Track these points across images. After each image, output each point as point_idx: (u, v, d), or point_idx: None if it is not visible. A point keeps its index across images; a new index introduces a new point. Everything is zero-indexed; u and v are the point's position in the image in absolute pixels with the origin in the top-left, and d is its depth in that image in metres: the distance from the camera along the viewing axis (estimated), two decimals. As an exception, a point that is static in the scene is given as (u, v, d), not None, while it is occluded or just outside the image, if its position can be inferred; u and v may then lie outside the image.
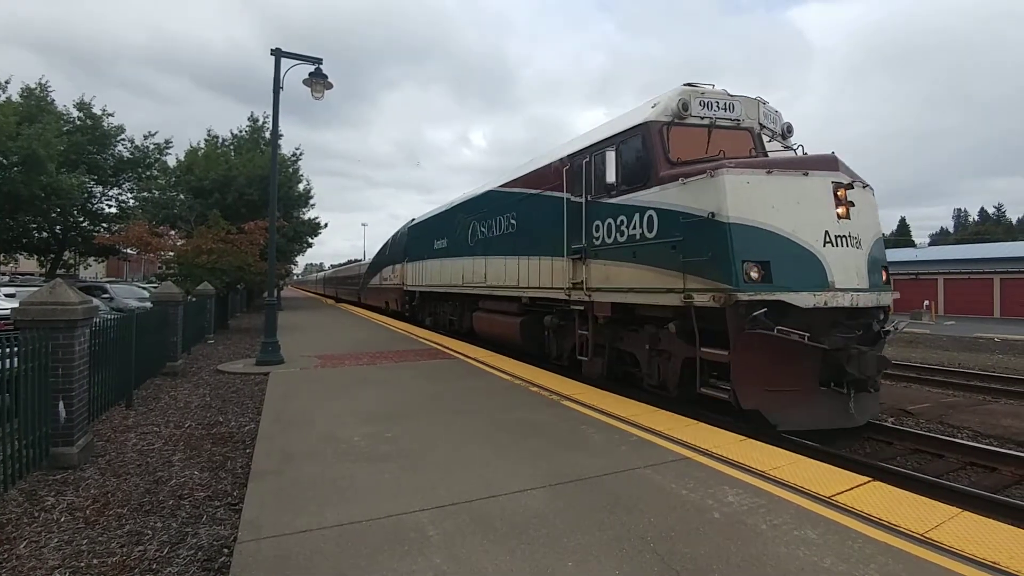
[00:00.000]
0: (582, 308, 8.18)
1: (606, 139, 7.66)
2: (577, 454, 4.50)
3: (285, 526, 3.18)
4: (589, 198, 7.88)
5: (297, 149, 29.38)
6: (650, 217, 6.63)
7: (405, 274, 19.85)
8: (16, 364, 3.95)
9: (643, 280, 6.71)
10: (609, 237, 7.40)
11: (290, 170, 27.53)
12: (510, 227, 10.80)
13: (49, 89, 23.10)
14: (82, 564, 2.96)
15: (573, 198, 8.34)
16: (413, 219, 20.36)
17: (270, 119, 10.66)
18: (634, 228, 6.90)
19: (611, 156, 7.03)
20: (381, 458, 4.41)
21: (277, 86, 10.01)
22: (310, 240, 33.12)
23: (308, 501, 3.54)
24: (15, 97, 21.78)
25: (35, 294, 4.60)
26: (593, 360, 8.17)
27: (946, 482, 4.98)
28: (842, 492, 3.61)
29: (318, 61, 10.21)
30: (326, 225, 33.07)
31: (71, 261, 29.93)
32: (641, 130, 6.99)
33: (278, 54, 9.95)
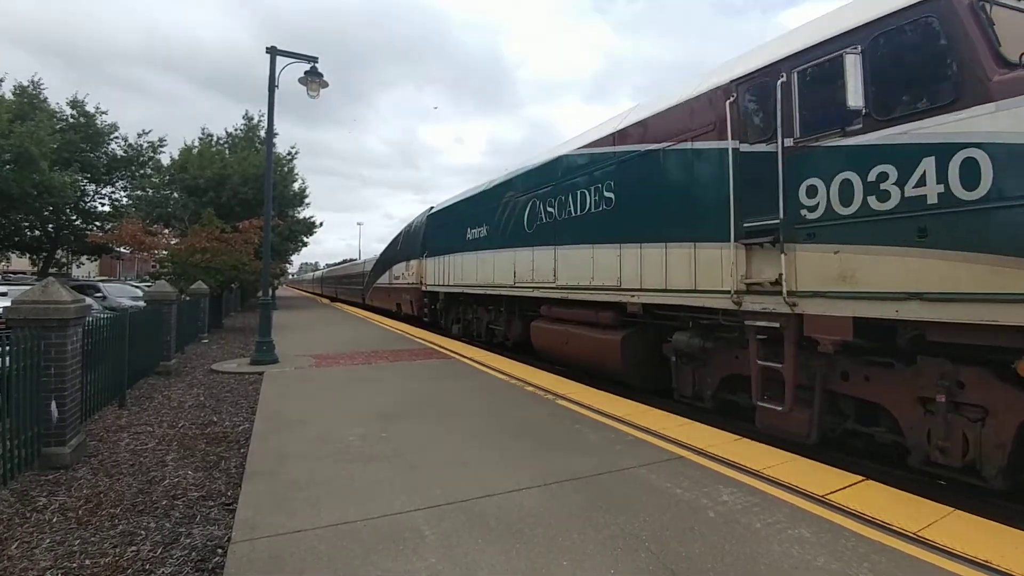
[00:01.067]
0: (776, 325, 5.07)
1: (835, 38, 4.72)
2: (572, 453, 4.51)
3: (280, 526, 3.17)
4: (791, 143, 4.98)
5: (292, 148, 29.35)
6: (967, 163, 3.79)
7: (424, 272, 17.00)
8: (8, 363, 3.92)
9: (946, 277, 3.88)
10: (847, 204, 4.50)
11: (285, 169, 27.47)
12: (602, 203, 7.81)
13: (42, 87, 23.03)
14: (74, 565, 2.93)
15: (749, 147, 5.40)
16: (432, 207, 17.68)
17: (265, 117, 10.64)
18: (918, 185, 4.05)
19: (852, 63, 4.34)
20: (376, 458, 4.40)
21: (272, 84, 9.98)
22: (305, 239, 33.08)
23: (303, 501, 3.53)
24: (8, 95, 21.66)
25: (27, 293, 4.56)
26: (793, 412, 5.02)
27: (939, 482, 5.00)
28: (836, 491, 3.63)
29: (314, 60, 10.18)
30: (321, 224, 33.02)
31: (64, 260, 29.81)
32: (931, 9, 4.15)
33: (273, 52, 9.93)
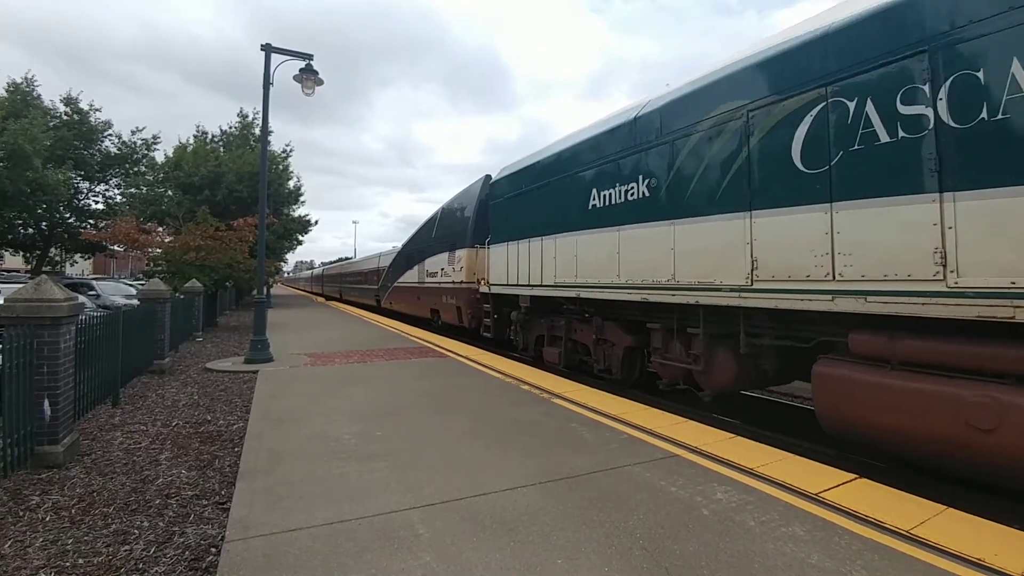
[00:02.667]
0: None
1: None
2: (567, 452, 4.51)
3: (274, 525, 3.16)
4: None
5: (287, 145, 29.27)
6: None
7: (483, 266, 12.62)
8: (0, 362, 3.90)
9: None
10: None
11: (280, 167, 27.39)
12: None
13: (35, 84, 22.88)
14: (67, 564, 2.92)
15: None
16: (489, 175, 13.35)
17: (260, 115, 10.60)
18: None
19: None
20: (371, 456, 4.40)
21: (267, 82, 9.95)
22: (300, 237, 33.02)
23: (297, 500, 3.52)
24: (1, 92, 21.51)
25: (20, 291, 4.53)
26: None
27: (931, 480, 5.03)
28: (829, 489, 3.64)
29: (309, 57, 10.16)
30: (316, 222, 32.99)
31: (57, 258, 29.63)
32: None
33: (268, 49, 9.89)
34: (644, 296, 6.90)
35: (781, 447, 4.70)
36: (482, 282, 12.47)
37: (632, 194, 7.28)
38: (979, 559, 2.74)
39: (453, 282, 14.41)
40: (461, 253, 13.96)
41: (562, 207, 9.00)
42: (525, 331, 10.97)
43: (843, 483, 3.76)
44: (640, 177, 7.14)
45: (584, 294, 8.23)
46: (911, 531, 3.04)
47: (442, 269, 15.39)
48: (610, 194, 7.74)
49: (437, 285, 15.80)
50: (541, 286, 9.55)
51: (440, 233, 16.09)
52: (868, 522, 3.17)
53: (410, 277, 18.92)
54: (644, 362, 7.90)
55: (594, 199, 8.09)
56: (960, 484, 4.66)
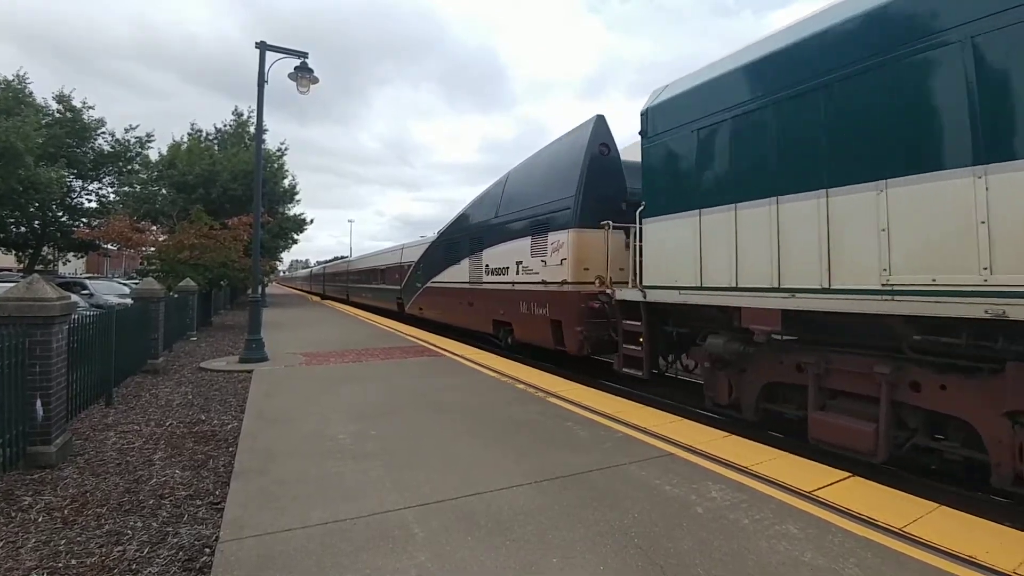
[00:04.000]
0: None
1: None
2: (562, 450, 4.51)
3: (268, 525, 3.15)
4: None
5: (282, 144, 29.16)
6: None
7: (625, 255, 7.86)
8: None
9: None
10: None
11: (275, 165, 27.28)
12: None
13: (27, 81, 22.69)
14: (60, 565, 2.90)
15: None
16: (602, 116, 9.48)
17: (255, 113, 10.56)
18: None
19: None
20: (366, 456, 4.39)
21: (261, 80, 9.91)
22: (295, 236, 32.90)
23: (292, 500, 3.52)
24: (-8, 89, 21.37)
25: (12, 290, 4.50)
26: None
27: (923, 479, 5.05)
28: (823, 487, 3.66)
29: (304, 55, 10.12)
30: (312, 221, 32.89)
31: (50, 257, 29.45)
32: None
33: (263, 47, 9.85)
34: None
35: (775, 445, 4.72)
36: (602, 282, 8.02)
37: None
38: (971, 556, 2.76)
39: (543, 282, 9.73)
40: (561, 238, 9.23)
41: (907, 122, 4.20)
42: (733, 374, 6.20)
43: (836, 481, 3.78)
44: None
45: None
46: (904, 529, 3.05)
47: (519, 263, 10.72)
48: None
49: (508, 287, 11.07)
50: (820, 292, 4.75)
51: (513, 210, 11.29)
52: (861, 520, 3.18)
53: (455, 275, 14.17)
54: None
55: None
56: (950, 483, 4.69)
